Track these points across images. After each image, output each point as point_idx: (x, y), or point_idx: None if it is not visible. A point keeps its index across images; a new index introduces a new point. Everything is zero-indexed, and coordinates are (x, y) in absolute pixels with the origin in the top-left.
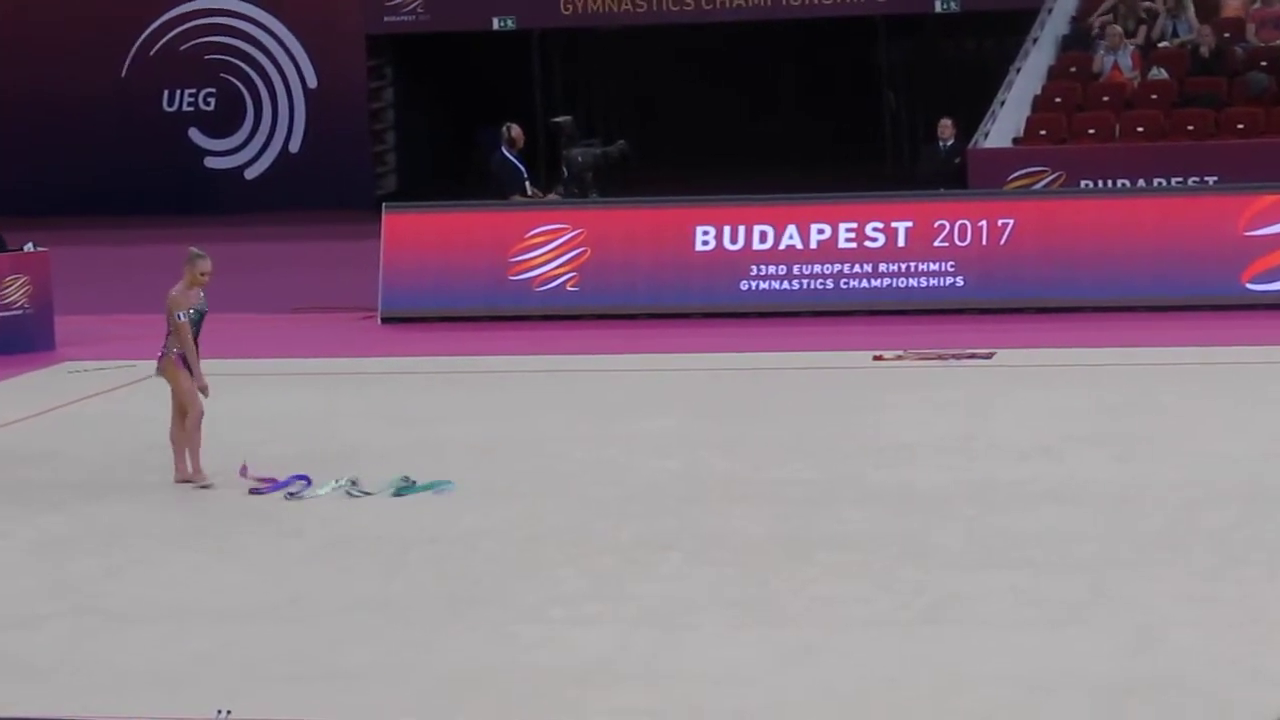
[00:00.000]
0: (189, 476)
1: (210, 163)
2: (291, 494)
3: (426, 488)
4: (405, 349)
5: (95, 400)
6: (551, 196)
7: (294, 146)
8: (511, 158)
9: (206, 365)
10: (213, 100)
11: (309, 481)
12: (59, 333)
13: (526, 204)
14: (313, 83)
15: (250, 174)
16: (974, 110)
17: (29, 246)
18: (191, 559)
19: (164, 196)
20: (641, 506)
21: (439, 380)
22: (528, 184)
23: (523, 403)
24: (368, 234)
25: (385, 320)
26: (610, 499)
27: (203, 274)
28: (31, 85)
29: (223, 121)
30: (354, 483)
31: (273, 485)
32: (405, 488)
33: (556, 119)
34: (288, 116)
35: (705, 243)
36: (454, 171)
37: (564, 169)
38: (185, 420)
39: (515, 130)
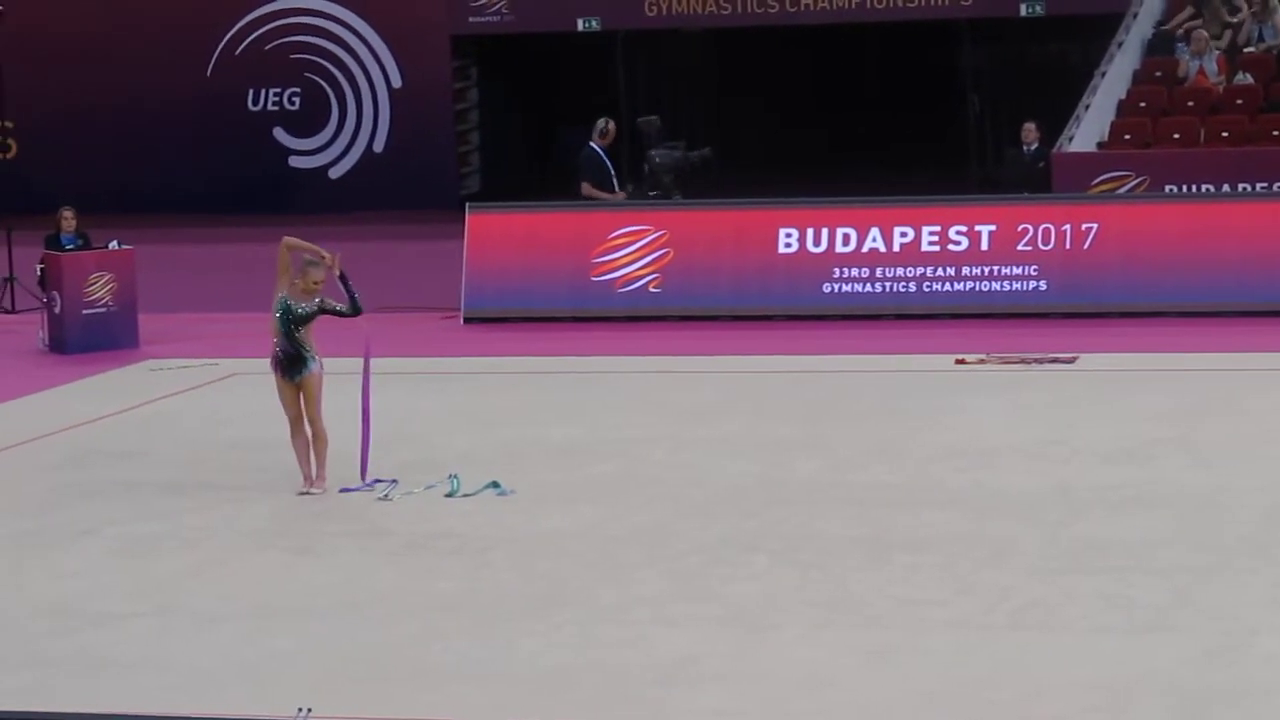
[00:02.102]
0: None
1: (295, 162)
2: (382, 497)
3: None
4: (487, 349)
5: (177, 398)
6: (619, 195)
7: (378, 146)
8: (599, 151)
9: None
10: (297, 100)
11: (395, 483)
12: (142, 331)
13: (609, 205)
14: (397, 82)
15: (334, 173)
16: (1058, 114)
17: (113, 244)
18: (275, 558)
19: (248, 196)
20: (724, 508)
21: (521, 381)
22: (615, 181)
23: (605, 404)
24: (451, 234)
25: (468, 320)
26: (693, 500)
27: (315, 282)
28: (116, 85)
29: (307, 121)
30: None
31: (361, 485)
32: (452, 490)
33: (642, 119)
34: (372, 116)
35: (788, 245)
36: (538, 172)
37: (645, 168)
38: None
39: (611, 125)
